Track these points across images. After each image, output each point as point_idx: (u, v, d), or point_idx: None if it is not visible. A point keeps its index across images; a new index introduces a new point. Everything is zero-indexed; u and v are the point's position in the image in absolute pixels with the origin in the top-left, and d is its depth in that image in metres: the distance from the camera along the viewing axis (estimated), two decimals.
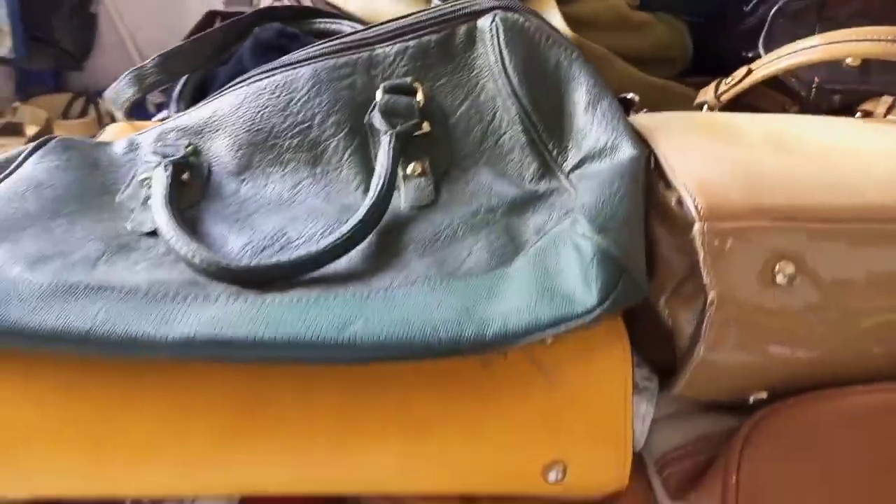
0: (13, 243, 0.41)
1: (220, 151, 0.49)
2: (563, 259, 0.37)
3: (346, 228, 0.41)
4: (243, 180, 0.48)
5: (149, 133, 0.52)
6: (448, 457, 0.39)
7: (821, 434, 0.38)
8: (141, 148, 0.51)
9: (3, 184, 0.46)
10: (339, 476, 0.38)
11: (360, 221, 0.41)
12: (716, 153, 0.42)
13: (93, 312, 0.36)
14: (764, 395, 0.40)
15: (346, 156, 0.47)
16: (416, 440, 0.38)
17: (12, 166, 0.47)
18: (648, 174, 0.41)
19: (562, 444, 0.39)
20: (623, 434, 0.40)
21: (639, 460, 0.44)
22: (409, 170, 0.46)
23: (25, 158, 0.48)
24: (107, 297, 0.37)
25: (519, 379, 0.39)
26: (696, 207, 0.37)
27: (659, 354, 0.42)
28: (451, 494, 0.41)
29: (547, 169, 0.45)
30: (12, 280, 0.37)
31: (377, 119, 0.46)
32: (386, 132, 0.45)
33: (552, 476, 0.40)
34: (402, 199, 0.45)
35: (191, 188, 0.48)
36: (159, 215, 0.43)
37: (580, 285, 0.36)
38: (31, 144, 0.49)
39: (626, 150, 0.41)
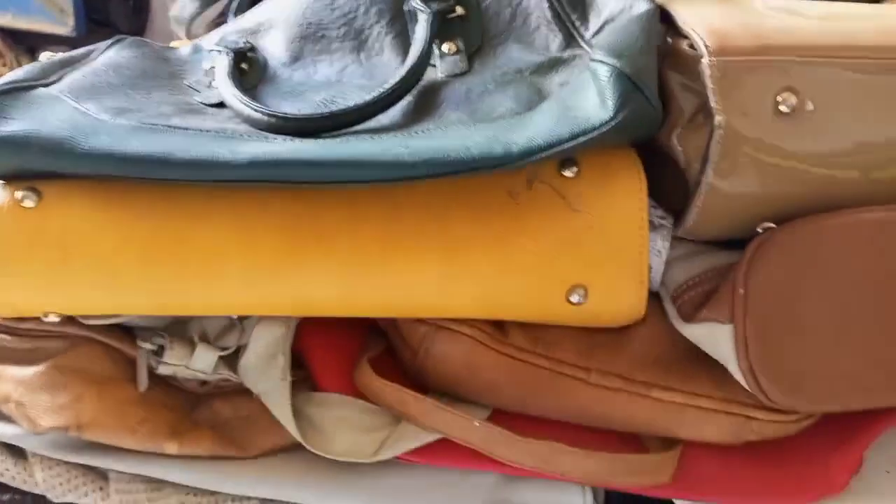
0: (98, 101, 0.46)
1: (274, 46, 0.55)
2: (583, 88, 0.42)
3: (388, 85, 0.46)
4: (295, 69, 0.53)
5: (210, 36, 0.58)
6: (481, 277, 0.43)
7: (825, 247, 0.41)
8: (203, 49, 0.57)
9: (87, 65, 0.52)
10: (384, 294, 0.43)
11: (402, 79, 0.46)
12: (725, 13, 0.46)
13: (172, 142, 0.41)
14: (772, 225, 0.44)
15: (388, 41, 0.52)
16: (452, 260, 0.43)
17: (94, 53, 0.53)
18: (661, 27, 0.45)
19: (583, 268, 0.44)
20: (640, 263, 0.44)
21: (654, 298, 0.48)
22: (444, 48, 0.51)
23: (107, 49, 0.54)
24: (183, 134, 0.42)
25: (544, 207, 0.43)
26: (705, 45, 0.41)
27: (673, 199, 0.46)
28: (483, 318, 0.45)
29: (571, 39, 0.49)
30: (101, 120, 0.43)
31: (416, 3, 0.51)
32: (423, 12, 0.50)
33: (574, 298, 0.44)
34: (438, 72, 0.50)
35: (249, 74, 0.53)
36: (224, 86, 0.49)
37: (597, 103, 0.40)
38: (111, 39, 0.55)
39: (641, 6, 0.45)
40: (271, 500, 0.45)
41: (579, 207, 0.44)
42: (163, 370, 0.46)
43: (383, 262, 0.42)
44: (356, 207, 0.43)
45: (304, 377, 0.49)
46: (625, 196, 0.44)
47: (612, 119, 0.39)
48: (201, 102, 0.50)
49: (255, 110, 0.45)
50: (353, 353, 0.48)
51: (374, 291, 0.43)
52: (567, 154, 0.41)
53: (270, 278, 0.42)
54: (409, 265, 0.43)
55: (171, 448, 0.44)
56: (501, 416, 0.45)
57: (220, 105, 0.49)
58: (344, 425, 0.45)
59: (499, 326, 0.46)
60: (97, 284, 0.43)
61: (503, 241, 0.43)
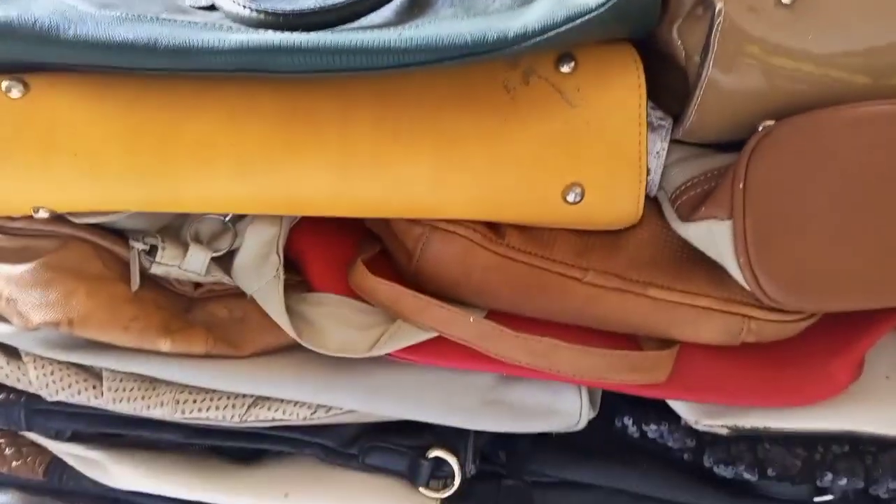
0: None
1: None
2: None
3: None
4: None
5: None
6: (475, 173, 0.42)
7: (826, 141, 0.40)
8: None
9: None
10: (376, 190, 0.42)
11: None
12: None
13: (159, 31, 0.40)
14: (772, 123, 0.43)
15: None
16: (446, 154, 0.42)
17: None
18: None
19: (581, 166, 0.43)
20: (638, 160, 0.43)
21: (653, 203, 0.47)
22: None
23: None
24: (171, 24, 0.41)
25: (540, 102, 0.42)
26: None
27: (672, 103, 0.45)
28: (478, 219, 0.45)
29: None
30: (86, 10, 0.42)
31: None
32: None
33: (571, 196, 0.43)
34: None
35: None
36: None
37: None
38: None
39: None
40: (266, 398, 0.45)
41: (576, 102, 0.43)
42: (155, 270, 0.46)
43: (375, 155, 0.42)
44: (348, 100, 0.42)
45: (299, 281, 0.48)
46: (623, 91, 0.43)
47: (608, 1, 0.38)
48: (191, 5, 0.49)
49: (245, 7, 0.44)
50: (347, 256, 0.48)
51: (367, 186, 0.42)
52: (564, 41, 0.40)
53: (262, 170, 0.42)
54: (402, 159, 0.42)
55: (164, 345, 0.44)
56: (498, 317, 0.45)
57: (211, 8, 0.48)
58: (338, 323, 0.44)
59: (494, 228, 0.45)
60: (86, 176, 0.42)
61: (498, 136, 0.42)
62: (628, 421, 0.49)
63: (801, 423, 0.44)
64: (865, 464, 0.45)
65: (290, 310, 0.44)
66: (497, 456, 0.50)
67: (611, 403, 0.49)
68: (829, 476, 0.45)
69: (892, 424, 0.45)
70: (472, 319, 0.43)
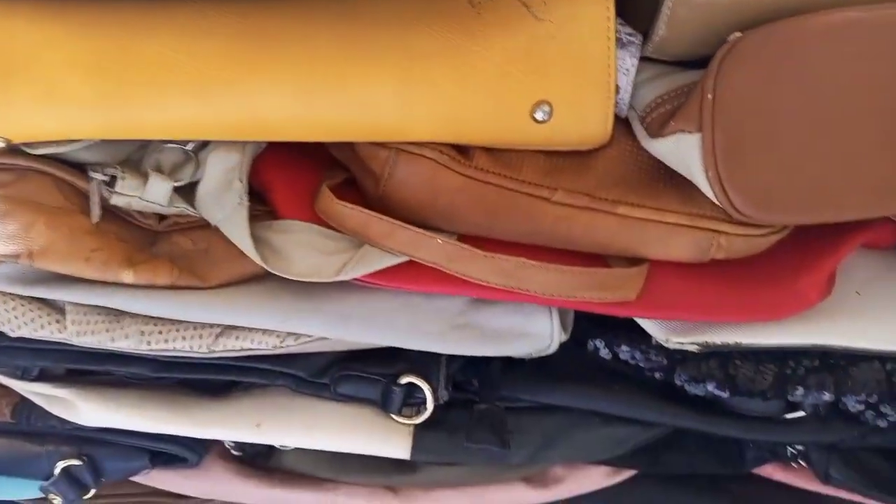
0: None
1: None
2: None
3: None
4: None
5: None
6: (441, 91, 0.41)
7: (796, 51, 0.39)
8: None
9: None
10: (340, 111, 0.41)
11: None
12: None
13: None
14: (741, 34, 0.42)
15: None
16: (410, 72, 0.41)
17: None
18: None
19: (548, 83, 0.42)
20: (606, 76, 0.43)
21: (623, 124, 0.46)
22: None
23: None
24: None
25: (505, 16, 0.41)
26: None
27: (641, 19, 0.44)
28: (446, 141, 0.44)
29: None
30: None
31: None
32: None
33: (539, 115, 0.42)
34: None
35: None
36: None
37: None
38: None
39: None
40: (234, 327, 0.45)
41: (543, 16, 0.42)
42: (116, 201, 0.45)
43: (337, 74, 0.41)
44: (309, 18, 0.40)
45: (266, 211, 0.47)
46: (590, 4, 0.42)
47: None
48: None
49: None
50: (314, 184, 0.47)
51: (330, 108, 0.41)
52: None
53: (221, 92, 0.40)
54: (365, 78, 0.41)
55: (127, 277, 0.43)
56: (468, 241, 0.44)
57: None
58: (305, 248, 0.44)
59: (463, 150, 0.45)
60: (44, 103, 0.40)
61: (463, 52, 0.41)
62: (600, 343, 0.49)
63: (771, 339, 0.44)
64: (835, 377, 0.45)
65: (255, 238, 0.44)
66: (471, 383, 0.50)
67: (583, 327, 0.49)
68: (800, 390, 0.45)
69: (862, 337, 0.45)
70: (439, 241, 0.42)
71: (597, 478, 0.52)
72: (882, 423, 0.47)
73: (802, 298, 0.44)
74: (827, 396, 0.45)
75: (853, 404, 0.46)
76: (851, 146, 0.41)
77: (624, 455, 0.51)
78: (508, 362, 0.49)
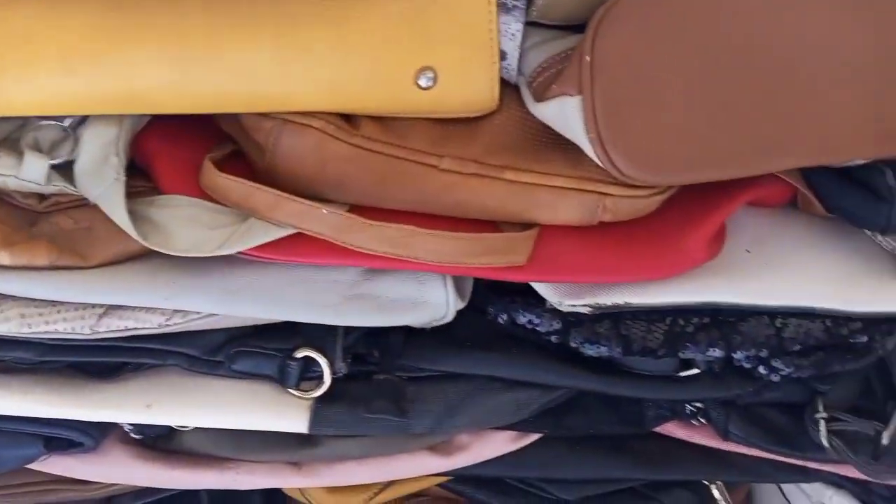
0: None
1: None
2: None
3: None
4: None
5: None
6: (322, 59, 0.41)
7: (674, 9, 0.40)
8: None
9: None
10: (216, 79, 0.40)
11: None
12: None
13: None
14: None
15: None
16: (289, 38, 0.40)
17: None
18: None
19: (431, 48, 0.42)
20: (489, 41, 0.42)
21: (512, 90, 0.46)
22: None
23: None
24: None
25: None
26: None
27: None
28: (331, 110, 0.43)
29: None
30: None
31: None
32: None
33: (423, 81, 0.42)
34: None
35: None
36: None
37: None
38: None
39: None
40: (118, 307, 0.43)
41: None
42: None
43: (211, 42, 0.40)
44: None
45: (150, 188, 0.46)
46: None
47: None
48: None
49: None
50: (199, 159, 0.45)
51: (206, 78, 0.40)
52: None
53: (89, 64, 0.39)
54: (240, 45, 0.40)
55: (3, 258, 0.42)
56: (358, 211, 0.44)
57: None
58: (188, 223, 0.43)
59: (349, 120, 0.44)
60: None
61: (341, 17, 0.41)
62: (498, 309, 0.49)
63: (660, 298, 0.45)
64: (725, 334, 0.46)
65: (135, 214, 0.42)
66: (372, 355, 0.50)
67: (482, 294, 0.49)
68: (691, 348, 0.46)
69: (749, 294, 0.46)
70: (325, 211, 0.41)
71: (501, 443, 0.53)
72: (775, 378, 0.48)
73: (689, 257, 0.45)
74: (718, 353, 0.46)
75: (744, 360, 0.47)
76: (732, 104, 0.41)
77: (528, 419, 0.51)
78: (409, 332, 0.49)
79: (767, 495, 0.66)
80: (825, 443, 0.50)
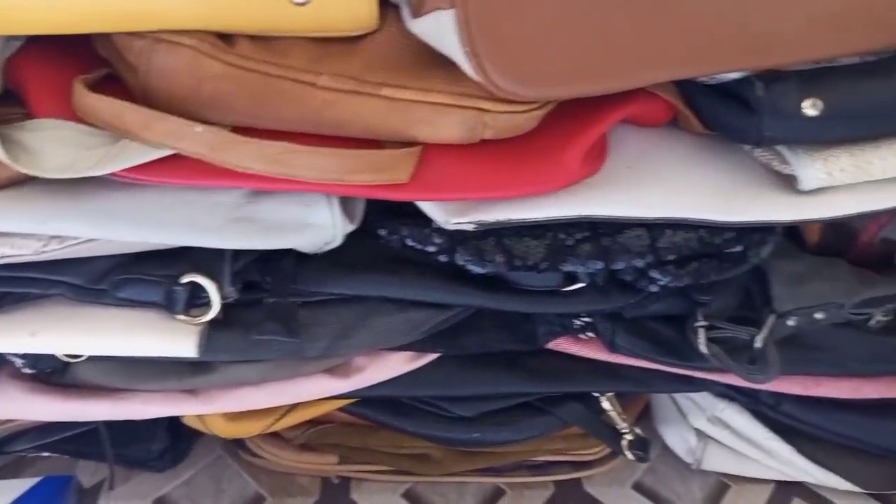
0: None
1: None
2: None
3: None
4: None
5: None
6: None
7: None
8: None
9: None
10: None
11: None
12: None
13: None
14: None
15: None
16: None
17: None
18: None
19: None
20: None
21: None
22: None
23: None
24: None
25: None
26: None
27: None
28: (206, 28, 0.42)
29: None
30: None
31: None
32: None
33: None
34: None
35: None
36: None
37: None
38: None
39: None
40: None
41: None
42: None
43: None
44: None
45: (24, 114, 0.45)
46: None
47: None
48: None
49: None
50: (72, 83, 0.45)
51: None
52: None
53: None
54: None
55: None
56: (238, 131, 0.43)
57: None
58: (59, 144, 0.42)
59: (226, 38, 0.43)
60: None
61: None
62: (390, 231, 0.49)
63: (541, 213, 0.46)
64: (604, 246, 0.48)
65: (7, 139, 0.41)
66: (265, 281, 0.50)
67: (374, 218, 0.50)
68: (571, 260, 0.47)
69: (624, 206, 0.47)
70: (198, 129, 0.41)
71: (398, 364, 0.54)
72: (654, 288, 0.50)
73: (567, 171, 0.46)
74: (598, 265, 0.48)
75: (625, 272, 0.49)
76: (605, 17, 0.42)
77: (423, 340, 0.52)
78: (302, 257, 0.50)
79: (664, 410, 0.69)
80: (705, 350, 0.52)
